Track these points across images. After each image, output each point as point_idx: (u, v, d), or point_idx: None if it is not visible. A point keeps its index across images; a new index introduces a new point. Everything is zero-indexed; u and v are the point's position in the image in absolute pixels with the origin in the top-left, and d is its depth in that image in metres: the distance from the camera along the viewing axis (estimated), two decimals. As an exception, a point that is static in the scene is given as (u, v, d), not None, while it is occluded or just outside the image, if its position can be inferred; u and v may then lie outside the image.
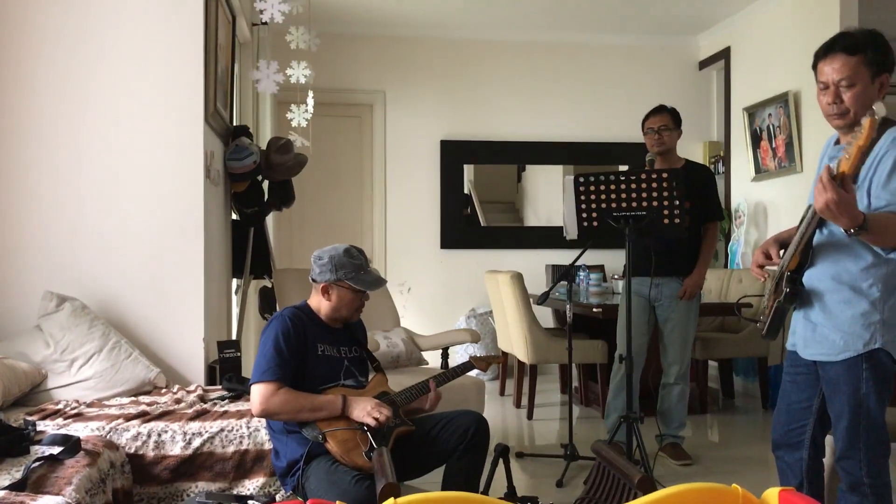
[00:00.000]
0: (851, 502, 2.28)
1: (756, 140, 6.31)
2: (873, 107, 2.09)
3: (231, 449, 2.87)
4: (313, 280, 2.79)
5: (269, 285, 4.87)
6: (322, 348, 2.75)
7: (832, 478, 2.53)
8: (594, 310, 4.90)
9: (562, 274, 4.04)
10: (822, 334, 2.30)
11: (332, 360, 2.77)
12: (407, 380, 3.31)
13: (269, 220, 5.27)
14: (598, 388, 5.28)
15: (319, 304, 2.81)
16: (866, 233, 2.07)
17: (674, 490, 1.48)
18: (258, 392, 2.58)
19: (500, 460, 2.75)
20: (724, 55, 6.78)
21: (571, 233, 4.01)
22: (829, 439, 2.43)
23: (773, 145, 6.08)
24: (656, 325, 4.25)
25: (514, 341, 5.38)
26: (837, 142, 2.41)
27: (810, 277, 2.32)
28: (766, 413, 5.38)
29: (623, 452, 3.67)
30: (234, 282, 4.91)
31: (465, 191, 7.05)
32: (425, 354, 4.66)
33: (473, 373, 4.65)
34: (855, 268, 2.24)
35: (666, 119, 4.17)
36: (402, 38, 6.88)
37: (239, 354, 3.72)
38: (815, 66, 2.34)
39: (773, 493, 1.48)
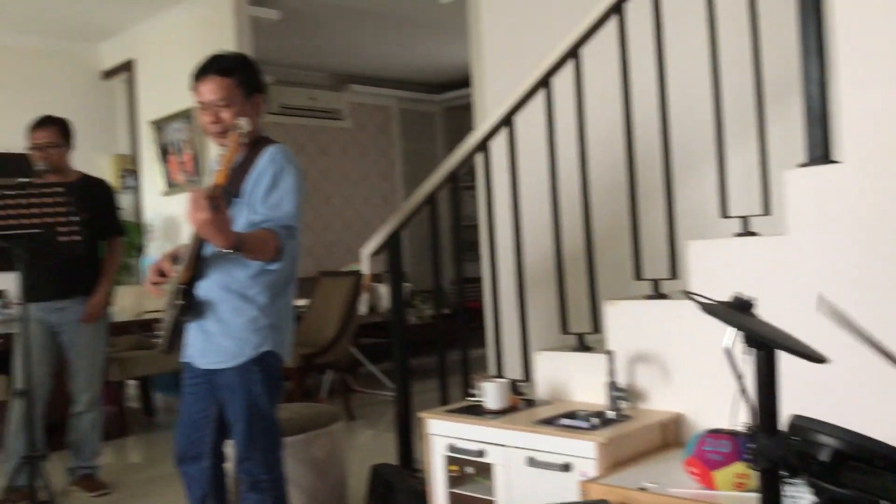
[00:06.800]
0: (252, 500, 2.39)
1: (165, 154, 6.32)
2: (238, 121, 2.23)
3: None
4: None
5: None
6: None
7: (237, 482, 2.63)
8: (-6, 340, 4.31)
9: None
10: (216, 343, 2.36)
11: None
12: None
13: None
14: (-3, 429, 4.66)
15: None
16: (242, 252, 2.17)
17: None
18: None
19: None
20: (129, 67, 6.64)
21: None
22: (231, 444, 2.52)
23: (182, 160, 6.18)
24: (62, 352, 3.91)
25: None
26: None
27: (203, 288, 2.36)
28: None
29: (29, 496, 3.33)
30: None
31: None
32: None
33: None
34: (243, 276, 2.34)
35: (52, 135, 3.78)
36: None
37: None
38: (193, 88, 2.40)
39: None
